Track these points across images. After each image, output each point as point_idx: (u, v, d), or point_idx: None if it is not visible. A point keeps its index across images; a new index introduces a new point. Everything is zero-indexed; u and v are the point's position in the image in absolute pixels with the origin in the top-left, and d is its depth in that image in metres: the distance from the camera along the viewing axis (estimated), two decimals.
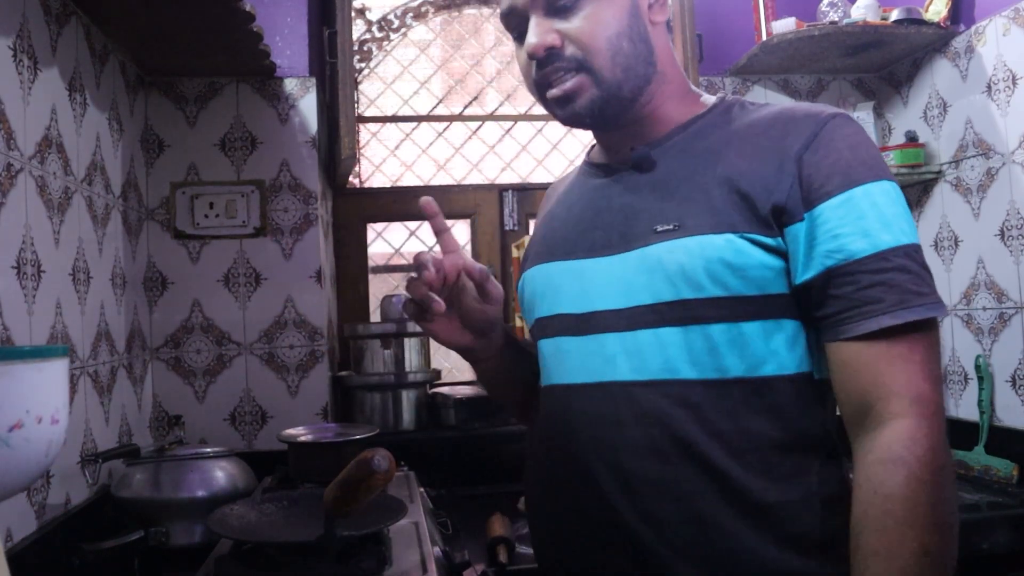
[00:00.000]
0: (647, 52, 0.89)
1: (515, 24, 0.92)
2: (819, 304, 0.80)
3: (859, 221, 0.78)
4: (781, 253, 0.81)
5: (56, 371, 0.72)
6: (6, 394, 0.66)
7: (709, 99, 0.94)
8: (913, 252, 0.78)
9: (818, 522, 0.81)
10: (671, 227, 0.84)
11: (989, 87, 1.86)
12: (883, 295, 0.76)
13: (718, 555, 0.80)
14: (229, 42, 1.67)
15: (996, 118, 1.85)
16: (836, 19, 2.04)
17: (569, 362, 0.90)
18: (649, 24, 0.90)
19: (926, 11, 2.00)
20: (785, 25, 2.03)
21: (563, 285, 0.92)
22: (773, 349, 0.82)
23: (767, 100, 2.26)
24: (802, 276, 0.80)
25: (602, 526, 0.84)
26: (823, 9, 2.08)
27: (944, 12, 1.96)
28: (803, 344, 0.83)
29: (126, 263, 1.70)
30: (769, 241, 0.81)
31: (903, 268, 0.77)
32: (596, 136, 0.99)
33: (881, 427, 0.76)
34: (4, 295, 1.15)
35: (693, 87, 0.97)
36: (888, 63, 2.20)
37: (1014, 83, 1.79)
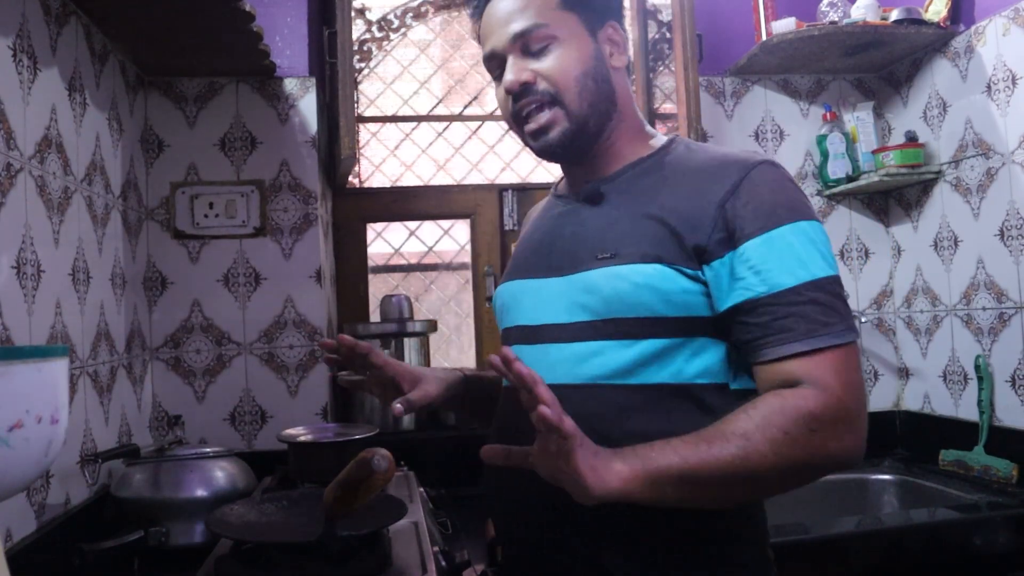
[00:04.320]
0: (609, 92, 1.03)
1: (495, 66, 1.05)
2: (740, 329, 0.91)
3: (778, 259, 0.89)
4: (702, 282, 0.92)
5: (56, 371, 0.72)
6: (6, 394, 0.66)
7: (660, 140, 1.06)
8: (826, 284, 0.88)
9: (735, 517, 0.93)
10: (608, 255, 0.96)
11: (989, 87, 1.86)
12: (795, 325, 0.87)
13: (640, 540, 0.92)
14: (229, 42, 1.67)
15: (996, 118, 1.85)
16: (836, 19, 2.04)
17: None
18: (611, 68, 1.03)
19: (926, 11, 2.00)
20: (785, 25, 2.03)
21: (523, 300, 1.06)
22: (693, 362, 0.93)
23: (767, 100, 2.26)
24: (724, 304, 0.91)
25: (544, 508, 0.95)
26: (823, 9, 2.08)
27: (944, 12, 1.96)
28: (721, 358, 0.93)
29: (126, 263, 1.70)
30: (689, 272, 0.92)
31: (814, 301, 0.87)
32: (563, 169, 1.13)
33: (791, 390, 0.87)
34: (4, 295, 1.16)
35: (648, 127, 1.09)
36: (888, 63, 2.20)
37: (1014, 83, 1.79)
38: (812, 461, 0.84)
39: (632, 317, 0.93)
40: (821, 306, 0.87)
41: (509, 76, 1.01)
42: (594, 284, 0.96)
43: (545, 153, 1.05)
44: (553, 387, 0.94)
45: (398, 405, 1.04)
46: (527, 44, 1.00)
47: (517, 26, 1.00)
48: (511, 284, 1.09)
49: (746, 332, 0.90)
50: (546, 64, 1.00)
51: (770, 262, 0.89)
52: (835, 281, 0.90)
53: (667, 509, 0.86)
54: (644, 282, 0.92)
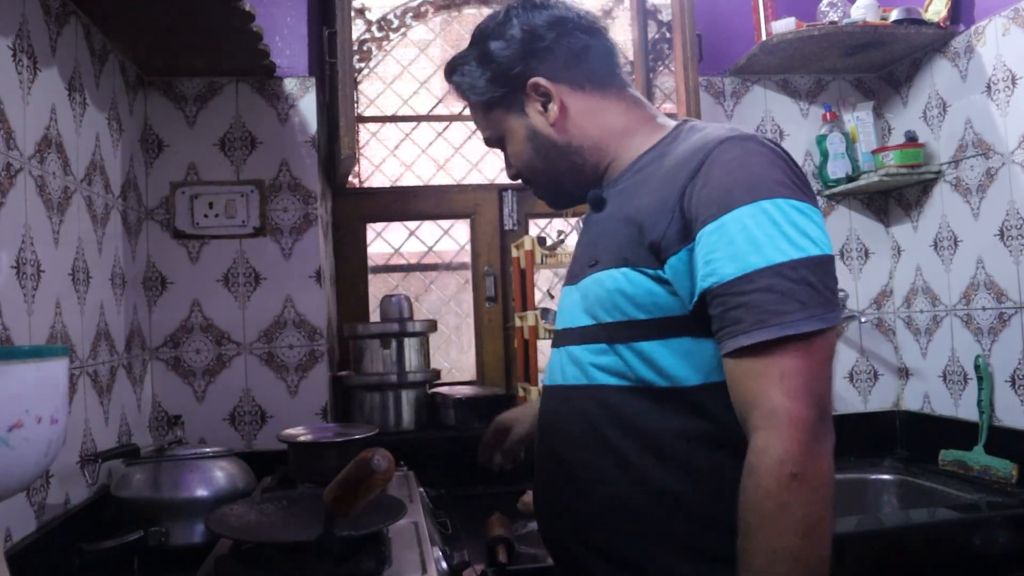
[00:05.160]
0: (559, 153, 1.07)
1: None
2: (710, 324, 0.88)
3: (728, 246, 0.84)
4: (665, 281, 0.91)
5: (56, 371, 0.72)
6: (6, 394, 0.66)
7: (666, 129, 1.05)
8: (786, 269, 0.82)
9: (731, 511, 0.87)
10: (594, 263, 0.99)
11: (989, 87, 1.86)
12: (743, 316, 0.83)
13: (635, 533, 0.93)
14: (229, 42, 1.67)
15: (996, 118, 1.85)
16: (836, 19, 2.04)
17: (549, 368, 1.10)
18: (549, 129, 1.06)
19: (926, 11, 2.00)
20: (785, 25, 2.03)
21: (560, 305, 1.12)
22: (677, 362, 0.92)
23: (767, 100, 2.26)
24: (691, 300, 0.89)
25: (558, 502, 1.02)
26: (823, 9, 2.08)
27: (944, 12, 1.96)
28: (709, 356, 0.91)
29: (126, 263, 1.70)
30: (651, 272, 0.91)
31: (767, 288, 0.82)
32: None
33: (750, 437, 0.83)
34: (4, 295, 1.15)
35: (652, 118, 1.08)
36: (888, 63, 2.20)
37: (1014, 83, 1.79)
38: (819, 491, 0.80)
39: (611, 321, 0.96)
40: (776, 294, 0.82)
41: (506, 171, 1.17)
42: (586, 291, 1.00)
43: (555, 207, 1.17)
44: (556, 388, 1.05)
45: (498, 459, 1.31)
46: (495, 147, 1.14)
47: (482, 137, 1.15)
48: (563, 289, 1.14)
49: (712, 326, 0.88)
50: (511, 159, 1.13)
51: (720, 249, 0.85)
52: (803, 264, 0.83)
53: (656, 523, 0.92)
54: (614, 287, 0.94)
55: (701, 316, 0.89)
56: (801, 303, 0.82)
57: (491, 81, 1.07)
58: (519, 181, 1.15)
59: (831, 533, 0.81)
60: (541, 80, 1.05)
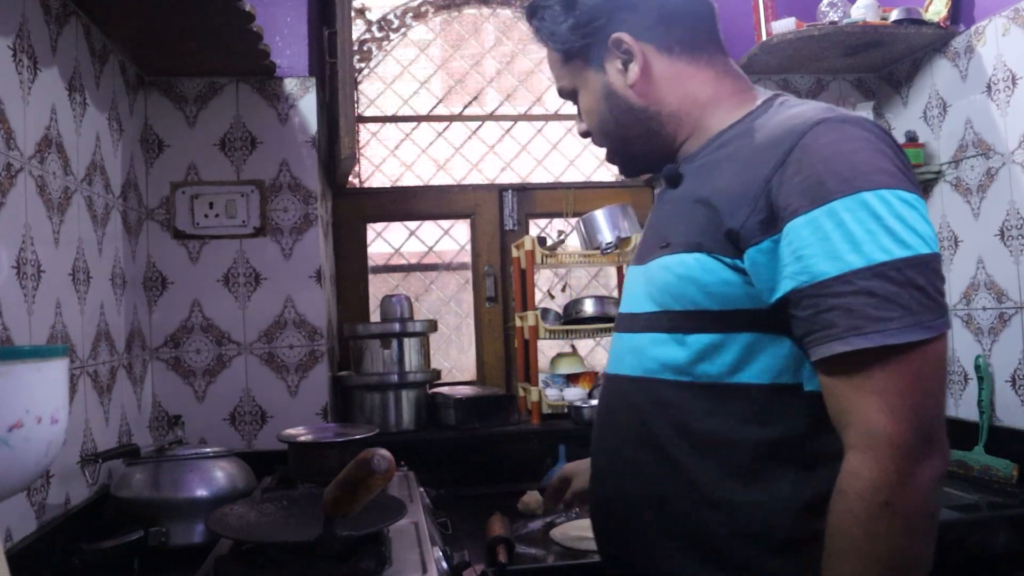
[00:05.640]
0: (634, 117, 1.00)
1: None
2: (793, 325, 0.81)
3: (823, 242, 0.77)
4: (741, 271, 0.84)
5: (56, 371, 0.72)
6: (6, 394, 0.66)
7: (755, 102, 0.96)
8: (889, 270, 0.74)
9: (786, 525, 0.84)
10: (664, 244, 0.93)
11: (989, 87, 1.86)
12: (838, 320, 0.75)
13: (676, 537, 0.89)
14: (229, 42, 1.67)
15: (996, 118, 1.85)
16: (836, 19, 2.04)
17: (611, 354, 1.05)
18: (628, 90, 0.99)
19: (926, 11, 2.00)
20: (785, 25, 2.03)
21: (626, 286, 1.06)
22: (746, 360, 0.86)
23: None
24: (772, 296, 0.82)
25: (603, 494, 1.00)
26: (823, 9, 2.08)
27: (944, 12, 1.96)
28: (784, 356, 0.85)
29: (126, 263, 1.70)
30: (728, 261, 0.85)
31: (867, 291, 0.74)
32: None
33: (844, 455, 0.78)
34: (4, 295, 1.15)
35: (745, 91, 0.99)
36: (888, 63, 2.20)
37: (1014, 83, 1.79)
38: (913, 523, 0.74)
39: (679, 310, 0.89)
40: (876, 298, 0.74)
41: (577, 126, 1.11)
42: (653, 275, 0.94)
43: (625, 175, 1.12)
44: (616, 378, 1.01)
45: (561, 507, 1.29)
46: (568, 99, 1.08)
47: (556, 87, 1.09)
48: (628, 269, 1.09)
49: (797, 328, 0.81)
50: (583, 114, 1.06)
51: (813, 246, 0.77)
52: (909, 264, 0.75)
53: (701, 529, 0.87)
54: (686, 273, 0.87)
55: (780, 314, 0.82)
56: (906, 308, 0.74)
57: (573, 29, 0.99)
58: (587, 139, 1.09)
59: (926, 571, 0.75)
60: (625, 36, 0.97)
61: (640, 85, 0.98)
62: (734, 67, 1.01)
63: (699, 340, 0.88)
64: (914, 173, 0.83)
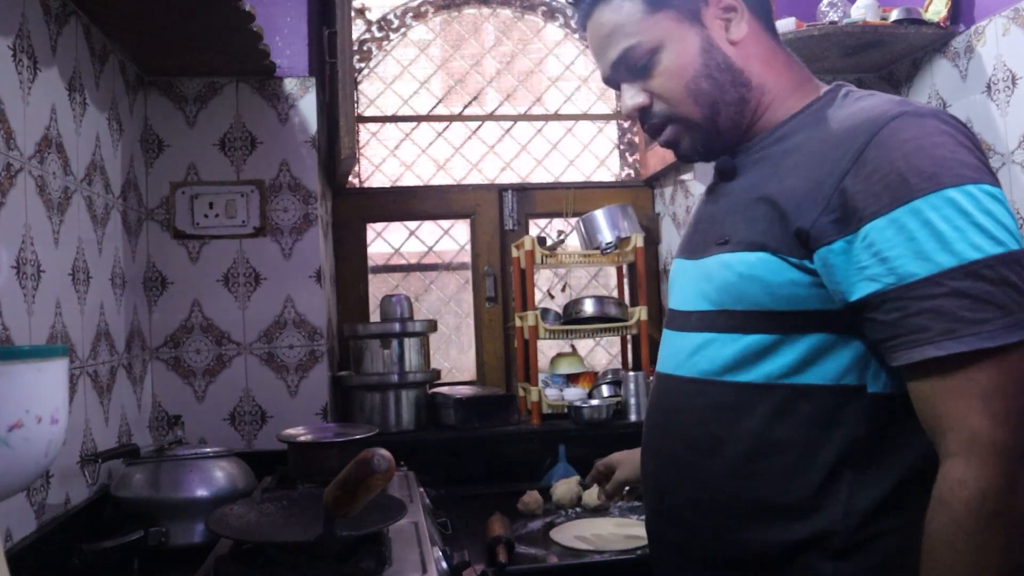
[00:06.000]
0: (732, 79, 0.91)
1: (615, 86, 0.99)
2: (871, 328, 0.78)
3: (909, 242, 0.73)
4: (810, 272, 0.81)
5: (56, 371, 0.72)
6: (6, 394, 0.66)
7: (819, 91, 0.92)
8: (981, 269, 0.71)
9: (843, 531, 0.81)
10: (723, 241, 0.89)
11: (989, 87, 1.86)
12: (930, 323, 0.72)
13: (733, 540, 0.87)
14: (229, 42, 1.67)
15: (996, 118, 1.85)
16: (836, 19, 2.04)
17: (663, 352, 1.01)
18: (729, 47, 0.91)
19: (926, 11, 2.00)
20: (785, 25, 2.03)
21: (676, 280, 1.01)
22: (811, 361, 0.83)
23: None
24: (849, 298, 0.78)
25: (659, 497, 0.97)
26: (823, 9, 2.08)
27: (944, 12, 1.96)
28: (850, 358, 0.82)
29: (126, 263, 1.70)
30: (795, 261, 0.81)
31: (959, 292, 0.71)
32: None
33: (942, 463, 0.74)
34: (4, 295, 1.15)
35: (809, 80, 0.95)
36: (888, 63, 2.20)
37: (1014, 83, 1.79)
38: (993, 540, 0.70)
39: (740, 310, 0.86)
40: (970, 299, 0.71)
41: (626, 103, 0.96)
42: (710, 272, 0.90)
43: (686, 160, 1.00)
44: (670, 378, 0.96)
45: (604, 498, 1.29)
46: (630, 66, 0.94)
47: (613, 53, 0.94)
48: (676, 262, 1.03)
49: (877, 331, 0.77)
50: (655, 82, 0.93)
51: (899, 247, 0.73)
52: (1003, 261, 0.71)
53: (754, 534, 0.86)
54: (748, 272, 0.84)
55: (852, 316, 0.79)
56: (1002, 308, 0.71)
57: None
58: (636, 116, 0.96)
59: None
60: None
61: (743, 46, 0.91)
62: (796, 57, 0.97)
63: (761, 340, 0.85)
64: (992, 169, 0.80)
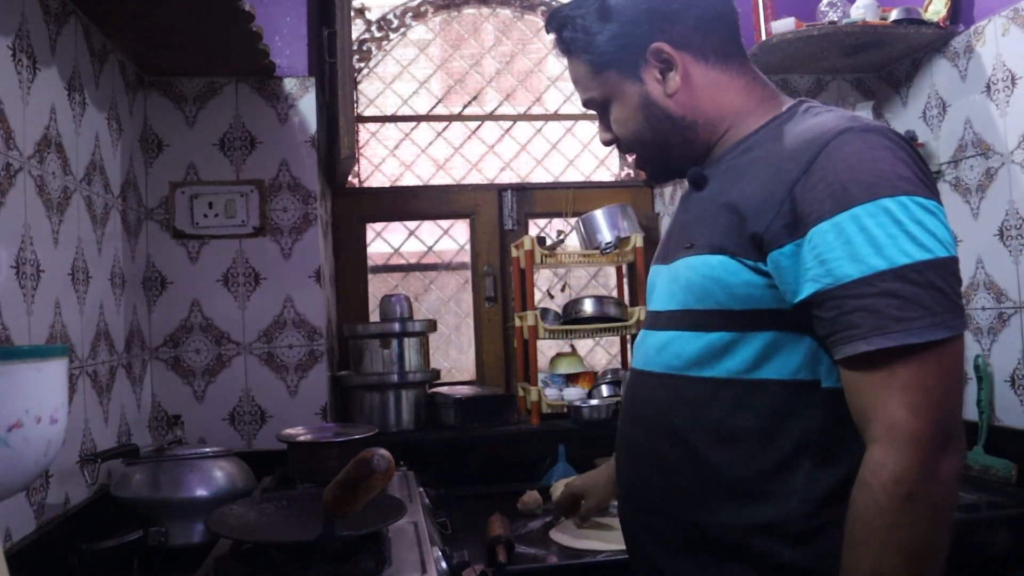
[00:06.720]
0: (672, 126, 1.01)
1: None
2: (816, 325, 0.85)
3: (846, 245, 0.80)
4: (764, 274, 0.87)
5: (55, 371, 0.72)
6: (5, 394, 0.66)
7: (781, 107, 0.99)
8: (910, 272, 0.78)
9: (801, 517, 0.87)
10: (689, 245, 0.96)
11: (988, 87, 1.86)
12: (861, 321, 0.79)
13: (695, 523, 0.93)
14: (229, 42, 1.67)
15: (995, 118, 1.85)
16: (835, 19, 2.04)
17: (636, 350, 1.08)
18: (666, 100, 1.00)
19: (925, 11, 2.00)
20: (784, 25, 2.03)
21: (651, 284, 1.09)
22: (766, 357, 0.89)
23: None
24: (795, 297, 0.85)
25: (628, 483, 1.04)
26: (822, 9, 2.08)
27: (943, 12, 1.96)
28: (803, 354, 0.88)
29: (125, 263, 1.70)
30: (750, 263, 0.88)
31: (889, 293, 0.78)
32: None
33: (867, 449, 0.81)
34: (4, 295, 1.15)
35: (772, 98, 1.01)
36: (887, 63, 2.20)
37: (1013, 83, 1.79)
38: (934, 515, 0.77)
39: (702, 309, 0.93)
40: (899, 299, 0.77)
41: (600, 135, 1.10)
42: (677, 274, 0.97)
43: (656, 182, 1.15)
44: (641, 373, 1.04)
45: (575, 521, 1.42)
46: (593, 110, 1.08)
47: (581, 97, 1.08)
48: (652, 268, 1.11)
49: (820, 328, 0.84)
50: (613, 126, 1.06)
51: (837, 249, 0.80)
52: (929, 267, 0.78)
53: (717, 516, 0.91)
54: (710, 274, 0.91)
55: (801, 314, 0.85)
56: (927, 309, 0.77)
57: (610, 40, 0.99)
58: (611, 148, 1.11)
59: (943, 563, 0.77)
60: (665, 46, 0.97)
61: (680, 95, 0.99)
62: (760, 74, 1.04)
63: (721, 337, 0.91)
64: (934, 181, 0.86)
